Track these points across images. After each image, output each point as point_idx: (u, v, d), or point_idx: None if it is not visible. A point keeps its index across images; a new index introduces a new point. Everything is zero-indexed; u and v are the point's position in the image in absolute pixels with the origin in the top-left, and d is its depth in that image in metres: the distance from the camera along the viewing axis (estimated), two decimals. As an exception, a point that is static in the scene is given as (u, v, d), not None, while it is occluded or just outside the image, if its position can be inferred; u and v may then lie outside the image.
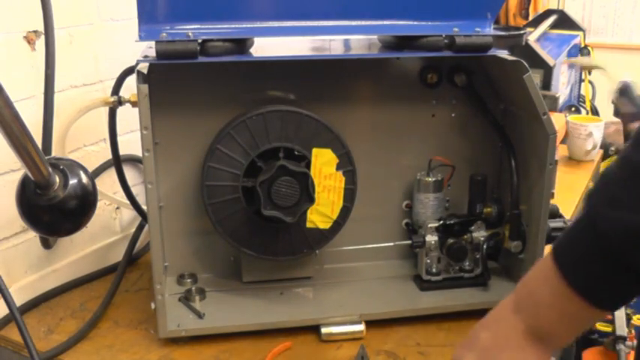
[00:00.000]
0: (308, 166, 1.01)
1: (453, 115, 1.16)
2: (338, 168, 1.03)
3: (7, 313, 1.03)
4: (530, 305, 0.67)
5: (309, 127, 1.01)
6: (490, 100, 1.14)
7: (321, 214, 1.04)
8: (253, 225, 1.03)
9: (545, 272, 0.65)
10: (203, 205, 1.03)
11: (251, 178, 1.00)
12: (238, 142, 1.00)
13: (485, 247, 1.09)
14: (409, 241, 1.12)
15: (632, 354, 1.76)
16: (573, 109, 2.16)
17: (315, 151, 1.01)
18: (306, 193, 0.99)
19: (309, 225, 1.04)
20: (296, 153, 1.01)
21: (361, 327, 1.02)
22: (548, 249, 0.69)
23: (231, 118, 1.03)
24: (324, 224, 1.05)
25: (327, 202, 1.04)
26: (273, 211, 0.99)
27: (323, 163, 1.02)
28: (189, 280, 1.13)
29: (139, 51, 1.01)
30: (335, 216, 1.05)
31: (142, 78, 0.89)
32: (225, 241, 1.05)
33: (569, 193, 1.64)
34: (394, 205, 1.19)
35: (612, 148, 1.99)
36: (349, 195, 1.05)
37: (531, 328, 0.67)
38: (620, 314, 1.84)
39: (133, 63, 0.95)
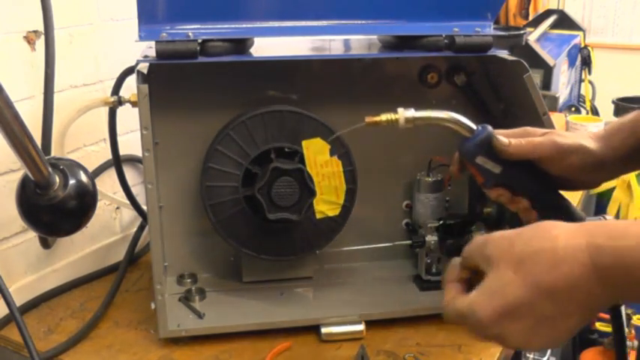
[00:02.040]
0: (302, 160, 1.01)
1: (453, 115, 1.16)
2: (332, 153, 1.03)
3: (7, 313, 1.02)
4: (617, 265, 0.52)
5: (292, 121, 1.01)
6: (490, 100, 1.14)
7: (327, 202, 1.04)
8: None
9: None
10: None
11: (250, 186, 1.00)
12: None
13: (485, 247, 1.09)
14: (409, 241, 1.12)
15: (633, 354, 1.76)
16: (573, 109, 2.16)
17: (304, 143, 1.01)
18: (306, 188, 1.00)
19: (318, 216, 1.04)
20: (286, 150, 1.01)
21: (361, 327, 1.02)
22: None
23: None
24: (333, 211, 1.05)
25: (330, 189, 1.04)
26: (278, 214, 0.99)
27: (316, 153, 1.02)
28: (189, 280, 1.13)
29: (139, 51, 1.01)
30: (342, 200, 1.05)
31: (142, 78, 0.89)
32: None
33: (568, 193, 1.64)
34: (394, 205, 1.19)
35: (612, 148, 1.99)
36: (350, 176, 1.05)
37: (617, 298, 0.55)
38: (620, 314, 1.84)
39: (133, 63, 0.95)
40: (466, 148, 0.80)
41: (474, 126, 0.80)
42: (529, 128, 0.85)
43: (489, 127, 0.81)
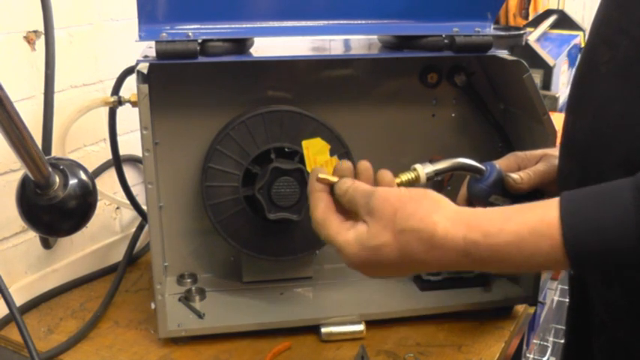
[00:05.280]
0: (302, 160, 1.01)
1: (453, 115, 1.16)
2: (332, 153, 1.03)
3: (7, 313, 1.03)
4: (490, 258, 0.59)
5: (292, 121, 1.01)
6: (490, 100, 1.14)
7: None
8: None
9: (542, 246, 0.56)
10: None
11: (250, 186, 1.00)
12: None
13: (485, 247, 1.09)
14: (409, 241, 1.11)
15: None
16: (573, 109, 2.15)
17: (304, 143, 1.01)
18: (306, 188, 0.99)
19: None
20: (286, 150, 1.01)
21: (361, 327, 1.02)
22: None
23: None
24: None
25: None
26: (278, 214, 0.99)
27: (315, 153, 1.02)
28: (189, 280, 1.13)
29: (139, 51, 1.01)
30: None
31: (142, 78, 0.89)
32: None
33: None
34: (394, 205, 1.18)
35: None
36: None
37: (475, 263, 0.61)
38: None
39: (133, 63, 0.95)
40: (479, 189, 0.82)
41: (482, 167, 0.82)
42: (519, 153, 0.87)
43: (497, 165, 0.83)
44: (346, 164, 0.73)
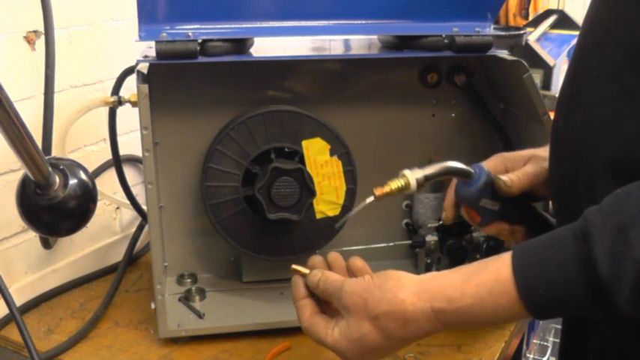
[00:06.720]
0: (302, 160, 1.01)
1: (453, 115, 1.16)
2: (332, 153, 1.03)
3: (7, 313, 1.03)
4: (458, 321, 0.63)
5: (292, 121, 1.01)
6: (490, 100, 1.14)
7: (327, 203, 1.04)
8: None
9: (499, 300, 0.60)
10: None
11: (250, 186, 1.00)
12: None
13: (485, 247, 1.09)
14: (409, 241, 1.12)
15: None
16: (573, 109, 2.15)
17: (304, 143, 1.01)
18: (306, 188, 1.00)
19: (319, 216, 1.04)
20: (286, 150, 1.02)
21: (361, 327, 1.02)
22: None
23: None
24: (333, 211, 1.05)
25: (330, 190, 1.04)
26: (278, 214, 0.99)
27: (316, 153, 1.02)
28: (189, 280, 1.13)
29: (139, 51, 1.01)
30: (341, 200, 1.05)
31: (142, 78, 0.89)
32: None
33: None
34: (394, 205, 1.19)
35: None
36: (350, 176, 1.05)
37: (448, 326, 0.65)
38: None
39: (133, 63, 0.95)
40: (469, 193, 0.80)
41: (471, 170, 0.80)
42: (506, 154, 0.86)
43: (485, 167, 0.81)
44: (318, 258, 0.78)
